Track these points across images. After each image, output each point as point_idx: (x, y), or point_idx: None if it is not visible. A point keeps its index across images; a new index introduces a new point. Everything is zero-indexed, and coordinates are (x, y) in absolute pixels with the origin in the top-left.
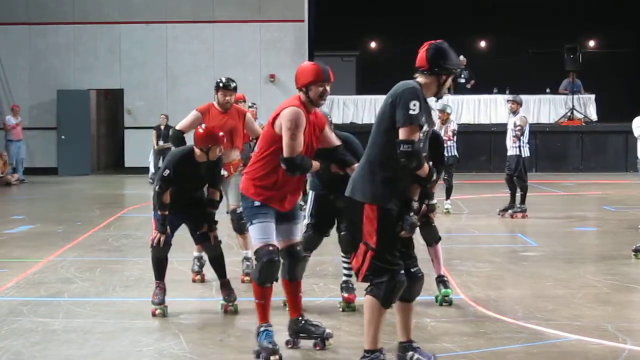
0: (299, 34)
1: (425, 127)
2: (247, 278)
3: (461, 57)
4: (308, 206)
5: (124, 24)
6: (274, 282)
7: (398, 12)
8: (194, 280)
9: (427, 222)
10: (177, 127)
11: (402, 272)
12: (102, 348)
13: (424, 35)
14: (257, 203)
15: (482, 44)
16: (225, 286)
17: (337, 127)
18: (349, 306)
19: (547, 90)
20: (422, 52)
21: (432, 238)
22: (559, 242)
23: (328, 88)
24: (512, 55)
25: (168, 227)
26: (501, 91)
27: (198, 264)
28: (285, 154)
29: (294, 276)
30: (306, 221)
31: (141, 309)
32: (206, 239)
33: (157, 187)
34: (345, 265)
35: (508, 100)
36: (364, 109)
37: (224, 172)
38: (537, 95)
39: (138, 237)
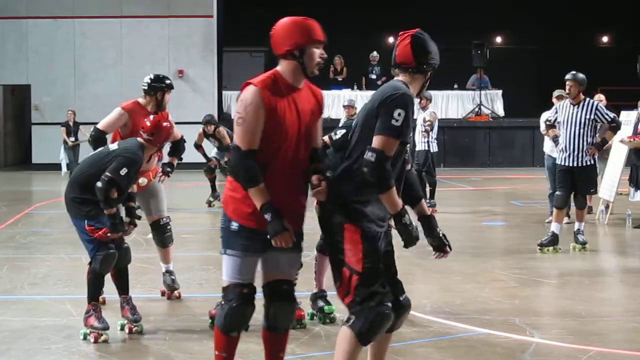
0: (207, 30)
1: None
2: (176, 293)
3: (374, 52)
4: None
5: (31, 19)
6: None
7: (305, 6)
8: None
9: None
10: (100, 127)
11: (389, 303)
12: (10, 346)
13: (333, 31)
14: (234, 226)
15: (391, 39)
16: (129, 303)
17: None
18: (300, 323)
19: (455, 86)
20: (404, 46)
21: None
22: (468, 236)
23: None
24: None
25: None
26: None
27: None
28: (237, 141)
29: (277, 324)
30: None
31: (49, 307)
32: (117, 247)
33: (105, 182)
34: None
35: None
36: None
37: (143, 180)
38: (445, 91)
39: (46, 234)
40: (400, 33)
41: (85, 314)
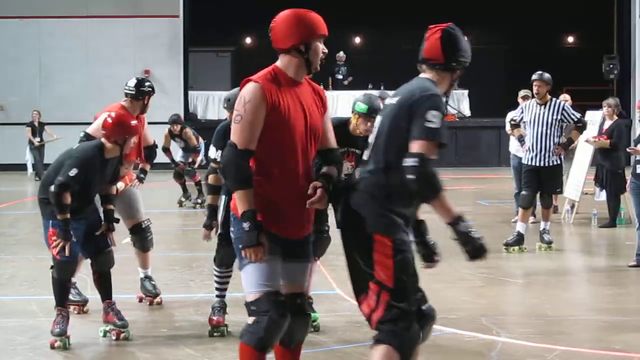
0: (174, 30)
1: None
2: (158, 299)
3: (340, 52)
4: (220, 214)
5: None
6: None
7: (272, 5)
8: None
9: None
10: (89, 132)
11: (417, 324)
12: None
13: None
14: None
15: (357, 39)
16: (113, 309)
17: (213, 125)
18: (217, 329)
19: None
20: (433, 40)
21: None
22: (434, 236)
23: None
24: (387, 51)
25: (72, 234)
26: (376, 87)
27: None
28: (233, 138)
29: (292, 339)
30: (219, 231)
31: (15, 308)
32: (99, 250)
33: (57, 187)
34: (220, 281)
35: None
36: None
37: (121, 185)
38: None
39: (11, 234)
40: (431, 26)
41: (54, 320)
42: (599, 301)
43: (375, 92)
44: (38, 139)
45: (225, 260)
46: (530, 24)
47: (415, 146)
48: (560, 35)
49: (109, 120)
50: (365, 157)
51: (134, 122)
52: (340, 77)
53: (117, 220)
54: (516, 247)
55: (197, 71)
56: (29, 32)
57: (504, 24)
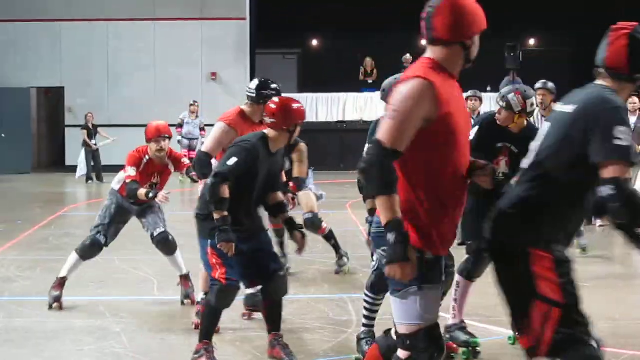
0: (241, 32)
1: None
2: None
3: (407, 55)
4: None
5: (65, 21)
6: None
7: (338, 7)
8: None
9: None
10: (205, 150)
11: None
12: (44, 348)
13: (364, 32)
14: (429, 255)
15: (424, 41)
16: (280, 342)
17: None
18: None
19: (488, 89)
20: (618, 47)
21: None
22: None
23: None
24: None
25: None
26: None
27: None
28: (381, 136)
29: None
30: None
31: (82, 308)
32: (272, 274)
33: (213, 177)
34: (370, 308)
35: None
36: (306, 107)
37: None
38: (484, 94)
39: (79, 235)
40: (613, 27)
41: (195, 354)
42: None
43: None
44: (94, 142)
45: (379, 284)
46: (594, 25)
47: (608, 171)
48: None
49: (273, 105)
50: (524, 165)
51: (296, 105)
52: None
53: (301, 226)
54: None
55: (264, 73)
56: (97, 35)
57: (566, 26)
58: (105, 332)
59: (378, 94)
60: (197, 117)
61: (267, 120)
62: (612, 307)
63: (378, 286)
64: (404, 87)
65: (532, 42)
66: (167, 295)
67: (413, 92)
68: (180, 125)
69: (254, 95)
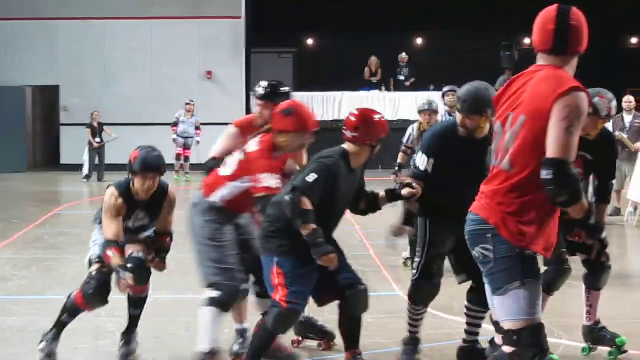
0: (236, 31)
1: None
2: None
3: (403, 54)
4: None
5: (61, 20)
6: None
7: (334, 6)
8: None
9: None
10: (215, 156)
11: None
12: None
13: (362, 32)
14: (529, 252)
15: (420, 40)
16: None
17: None
18: None
19: None
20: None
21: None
22: None
23: None
24: (449, 52)
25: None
26: (437, 88)
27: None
28: (554, 153)
29: None
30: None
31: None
32: (351, 286)
33: (290, 193)
34: (414, 317)
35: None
36: None
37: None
38: None
39: (74, 234)
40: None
41: None
42: None
43: (433, 93)
44: (98, 140)
45: (422, 297)
46: (593, 25)
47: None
48: (625, 35)
49: (354, 119)
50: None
51: (378, 116)
52: (402, 78)
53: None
54: None
55: (259, 72)
56: (92, 33)
57: None
58: (100, 331)
59: (376, 92)
60: (192, 116)
61: (348, 134)
62: (608, 306)
63: (421, 299)
64: (577, 102)
65: (527, 41)
66: (161, 294)
67: (583, 107)
68: (176, 124)
69: (263, 93)
